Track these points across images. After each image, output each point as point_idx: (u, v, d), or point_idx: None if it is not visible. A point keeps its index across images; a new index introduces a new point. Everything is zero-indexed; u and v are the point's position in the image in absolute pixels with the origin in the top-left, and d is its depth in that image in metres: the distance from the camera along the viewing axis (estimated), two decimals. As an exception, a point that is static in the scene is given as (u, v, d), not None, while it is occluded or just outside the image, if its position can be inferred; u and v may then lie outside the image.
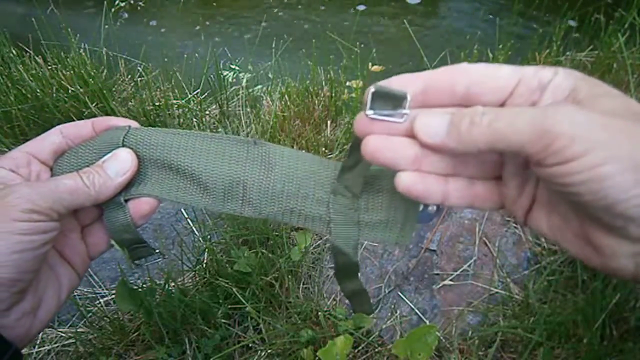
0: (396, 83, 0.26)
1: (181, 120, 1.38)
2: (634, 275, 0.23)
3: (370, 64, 1.46)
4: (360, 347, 0.84)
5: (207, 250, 0.94)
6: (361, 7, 2.97)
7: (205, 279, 0.91)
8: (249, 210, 0.33)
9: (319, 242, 0.99)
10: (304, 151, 0.34)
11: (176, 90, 1.47)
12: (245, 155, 0.33)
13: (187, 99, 1.47)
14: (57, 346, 0.89)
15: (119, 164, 0.32)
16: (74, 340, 0.87)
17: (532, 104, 0.25)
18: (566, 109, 0.22)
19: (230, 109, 1.46)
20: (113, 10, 1.90)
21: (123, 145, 0.33)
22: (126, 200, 0.33)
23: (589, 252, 0.25)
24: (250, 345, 0.84)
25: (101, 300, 0.94)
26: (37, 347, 0.88)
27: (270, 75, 1.54)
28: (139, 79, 1.56)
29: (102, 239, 0.35)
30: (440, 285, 0.92)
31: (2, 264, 0.27)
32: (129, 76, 1.59)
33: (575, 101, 0.24)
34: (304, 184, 0.33)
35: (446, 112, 0.26)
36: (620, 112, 0.23)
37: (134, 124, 0.34)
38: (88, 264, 0.35)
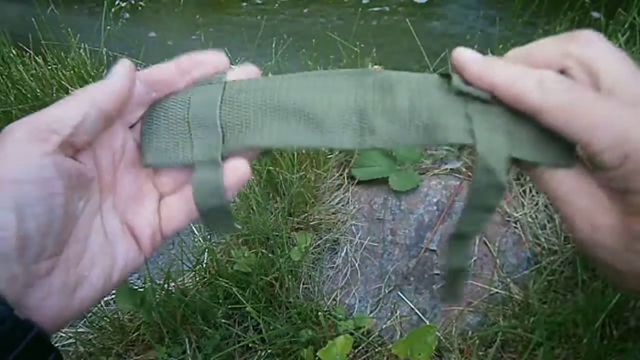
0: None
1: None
2: None
3: (370, 64, 1.46)
4: (360, 347, 0.84)
5: (207, 250, 0.94)
6: (366, 1, 2.97)
7: (205, 279, 0.91)
8: (373, 140, 0.28)
9: (318, 242, 0.99)
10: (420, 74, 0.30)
11: (176, 90, 1.46)
12: (360, 84, 0.29)
13: (187, 99, 1.46)
14: (57, 346, 0.88)
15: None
16: (74, 340, 0.87)
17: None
18: None
19: (230, 109, 1.46)
20: (113, 10, 1.90)
21: (221, 102, 0.29)
22: (223, 158, 0.29)
23: None
24: (250, 345, 0.84)
25: (101, 300, 0.94)
26: (37, 347, 0.88)
27: (270, 75, 1.53)
28: (139, 79, 1.55)
29: (181, 212, 0.31)
30: (440, 285, 0.92)
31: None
32: (129, 76, 1.59)
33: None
34: (433, 98, 0.28)
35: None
36: None
37: (223, 62, 0.31)
38: (157, 243, 0.31)
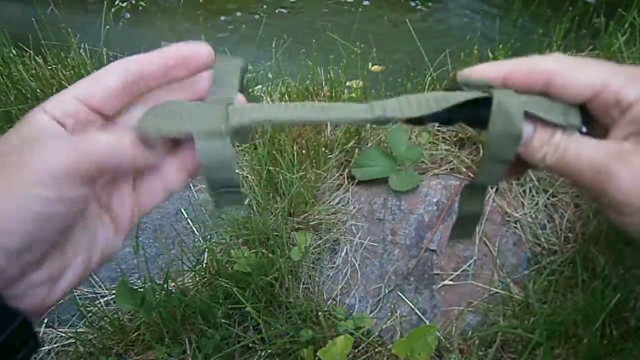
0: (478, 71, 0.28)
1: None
2: None
3: (370, 63, 1.46)
4: (360, 347, 0.84)
5: (207, 250, 0.94)
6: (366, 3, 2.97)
7: (205, 279, 0.91)
8: (383, 111, 0.28)
9: (318, 242, 0.99)
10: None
11: (176, 90, 1.46)
12: (366, 113, 0.29)
13: (187, 99, 1.46)
14: (57, 346, 0.89)
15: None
16: (74, 340, 0.87)
17: (612, 119, 0.27)
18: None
19: (230, 109, 1.46)
20: (113, 10, 1.90)
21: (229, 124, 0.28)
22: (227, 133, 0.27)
23: None
24: (250, 345, 0.84)
25: (101, 300, 0.94)
26: (37, 347, 0.88)
27: (270, 75, 1.54)
28: (139, 79, 1.55)
29: (158, 188, 0.31)
30: (440, 285, 0.92)
31: (11, 232, 0.23)
32: (129, 76, 1.59)
33: None
34: (442, 99, 0.28)
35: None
36: None
37: (210, 56, 0.30)
38: (133, 223, 0.31)
